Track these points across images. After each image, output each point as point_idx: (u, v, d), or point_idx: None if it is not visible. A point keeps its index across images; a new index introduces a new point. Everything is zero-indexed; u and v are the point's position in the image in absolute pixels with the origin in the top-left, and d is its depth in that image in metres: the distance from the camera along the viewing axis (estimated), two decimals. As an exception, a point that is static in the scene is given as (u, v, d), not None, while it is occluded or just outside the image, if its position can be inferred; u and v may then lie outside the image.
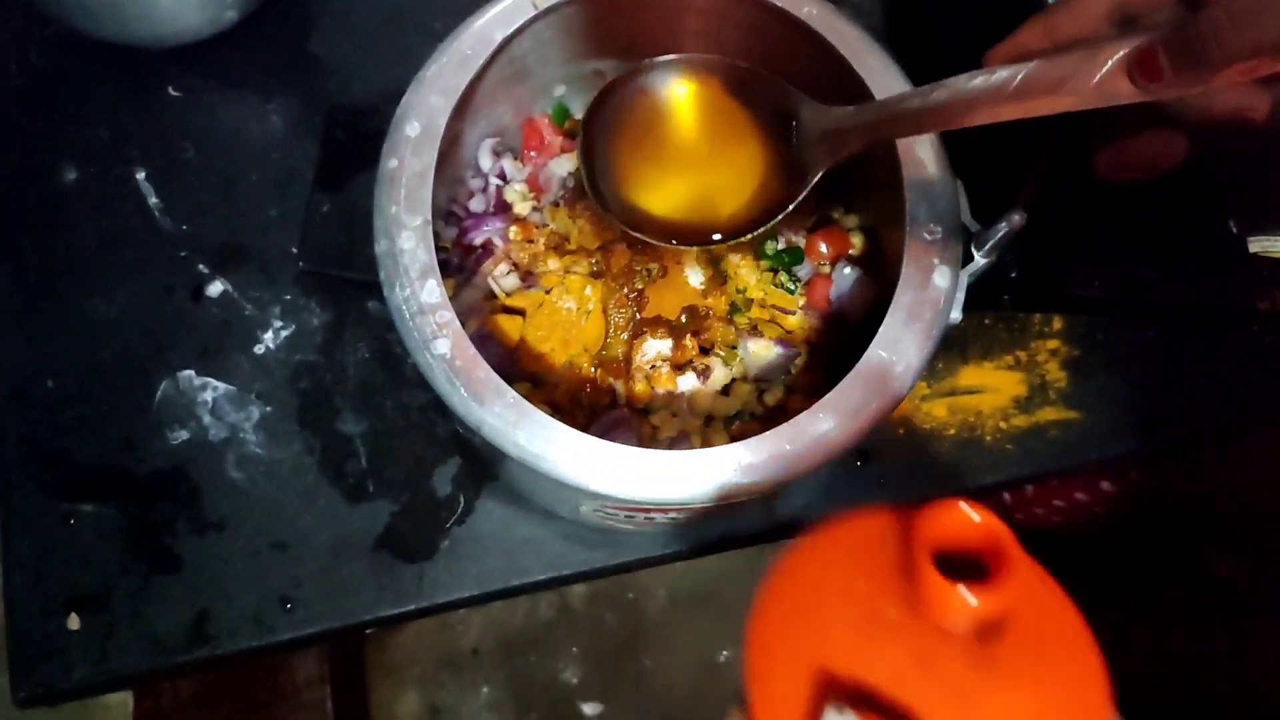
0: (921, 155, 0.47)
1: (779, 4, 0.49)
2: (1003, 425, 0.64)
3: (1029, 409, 0.65)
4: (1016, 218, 0.43)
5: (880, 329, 0.44)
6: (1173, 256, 0.54)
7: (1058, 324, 0.66)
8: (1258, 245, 0.63)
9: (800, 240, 0.57)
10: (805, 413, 0.42)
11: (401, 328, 0.44)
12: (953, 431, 0.64)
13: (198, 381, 0.62)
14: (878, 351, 0.43)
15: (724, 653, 1.44)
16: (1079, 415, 0.65)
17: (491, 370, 0.43)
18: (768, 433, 0.42)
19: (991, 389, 0.65)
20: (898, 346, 0.43)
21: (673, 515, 0.49)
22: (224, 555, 0.59)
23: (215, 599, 0.58)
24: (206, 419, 0.61)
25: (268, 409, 0.62)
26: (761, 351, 0.54)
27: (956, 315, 0.45)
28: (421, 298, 0.44)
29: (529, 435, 0.42)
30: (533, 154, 0.59)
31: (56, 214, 0.65)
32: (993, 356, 0.66)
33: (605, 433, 0.51)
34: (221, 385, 0.62)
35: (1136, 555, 0.89)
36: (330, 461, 0.61)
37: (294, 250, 0.63)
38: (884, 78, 0.48)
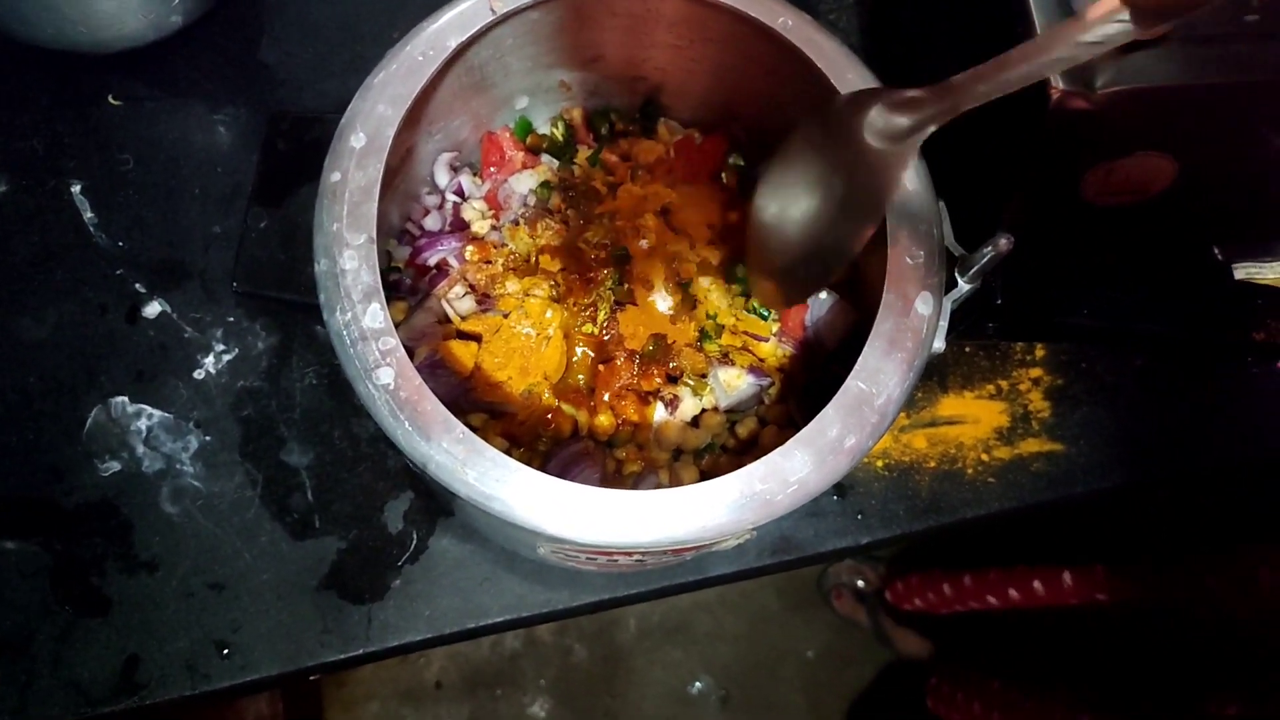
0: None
1: (754, 15, 0.47)
2: (984, 457, 0.62)
3: (1011, 440, 0.62)
4: (1003, 241, 0.40)
5: (859, 359, 0.41)
6: (1162, 283, 0.52)
7: (1040, 352, 0.63)
8: (1242, 272, 0.61)
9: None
10: (779, 450, 0.39)
11: (342, 355, 0.40)
12: (932, 464, 0.62)
13: (131, 408, 0.58)
14: (856, 383, 0.40)
15: (696, 684, 1.40)
16: (1063, 447, 0.62)
17: (439, 402, 0.39)
18: (739, 471, 0.38)
19: (972, 419, 0.63)
20: (878, 377, 0.40)
21: (637, 558, 0.46)
22: (156, 597, 0.55)
23: (146, 644, 0.54)
24: (140, 449, 0.57)
25: (207, 438, 0.57)
26: (733, 380, 0.51)
27: (939, 345, 0.42)
28: (364, 322, 0.40)
29: (480, 474, 0.39)
30: (493, 170, 0.56)
31: (-16, 228, 0.60)
32: (973, 385, 0.63)
33: (565, 468, 0.48)
34: (157, 413, 0.58)
35: (1126, 682, 0.88)
36: (274, 495, 0.57)
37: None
38: (861, 85, 0.46)
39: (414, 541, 0.57)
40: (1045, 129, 0.49)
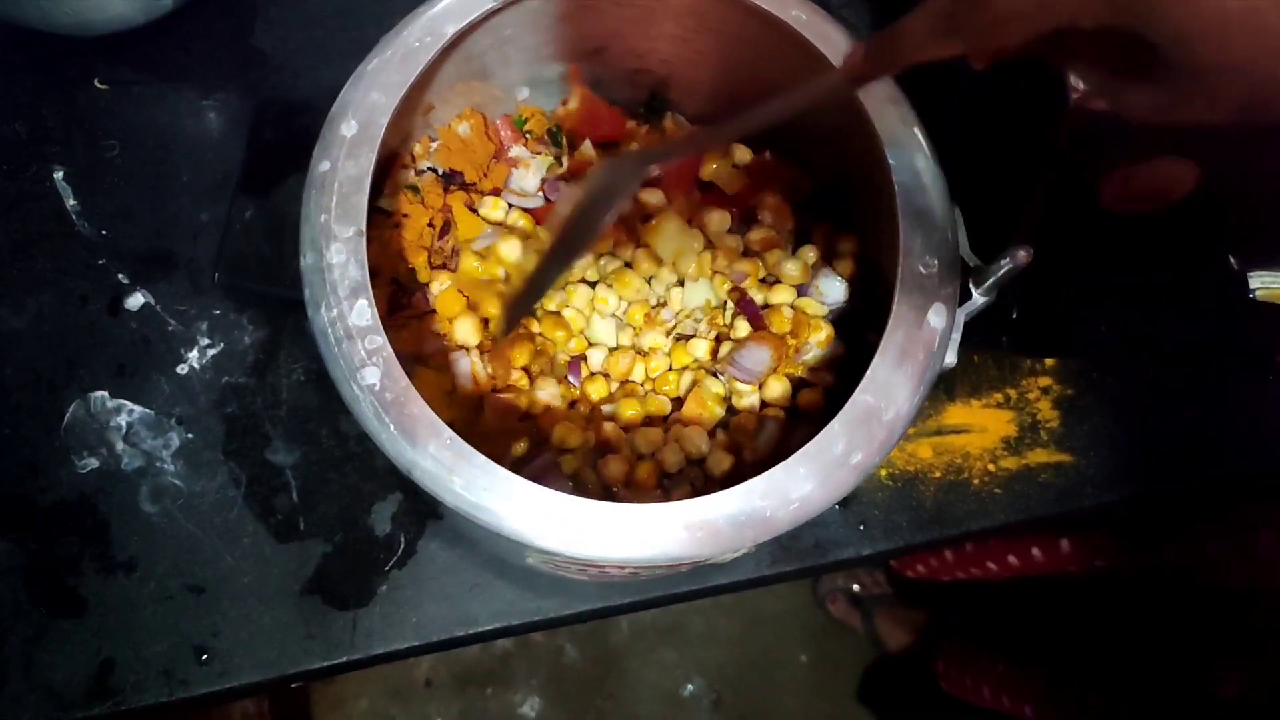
0: (919, 180, 0.43)
1: (764, 7, 0.45)
2: (991, 468, 0.60)
3: (1019, 450, 0.61)
4: (1021, 254, 0.38)
5: (868, 371, 0.39)
6: (1181, 296, 0.50)
7: (1050, 360, 0.62)
8: (1257, 281, 0.60)
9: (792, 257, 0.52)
10: (782, 465, 0.37)
11: (326, 354, 0.38)
12: (938, 474, 0.60)
13: (111, 404, 0.56)
14: (864, 397, 0.38)
15: (689, 686, 1.38)
16: (1071, 458, 0.60)
17: (426, 405, 0.37)
18: (739, 487, 0.37)
19: (979, 429, 0.61)
20: (887, 391, 0.39)
21: (630, 571, 0.44)
22: (133, 599, 0.53)
23: (122, 647, 0.52)
24: (120, 445, 0.55)
25: (189, 436, 0.56)
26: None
27: (951, 359, 0.41)
28: (350, 319, 0.38)
29: (467, 482, 0.37)
30: (493, 160, 0.54)
31: (-38, 214, 0.58)
32: (981, 394, 0.61)
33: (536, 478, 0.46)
34: (138, 408, 0.56)
35: (1130, 659, 0.87)
36: (257, 495, 0.55)
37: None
38: (878, 87, 0.44)
39: (401, 545, 0.55)
40: (1063, 130, 0.48)
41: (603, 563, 0.37)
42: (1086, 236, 0.51)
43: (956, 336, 0.41)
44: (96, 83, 0.62)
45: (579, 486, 0.47)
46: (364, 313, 0.39)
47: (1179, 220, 0.51)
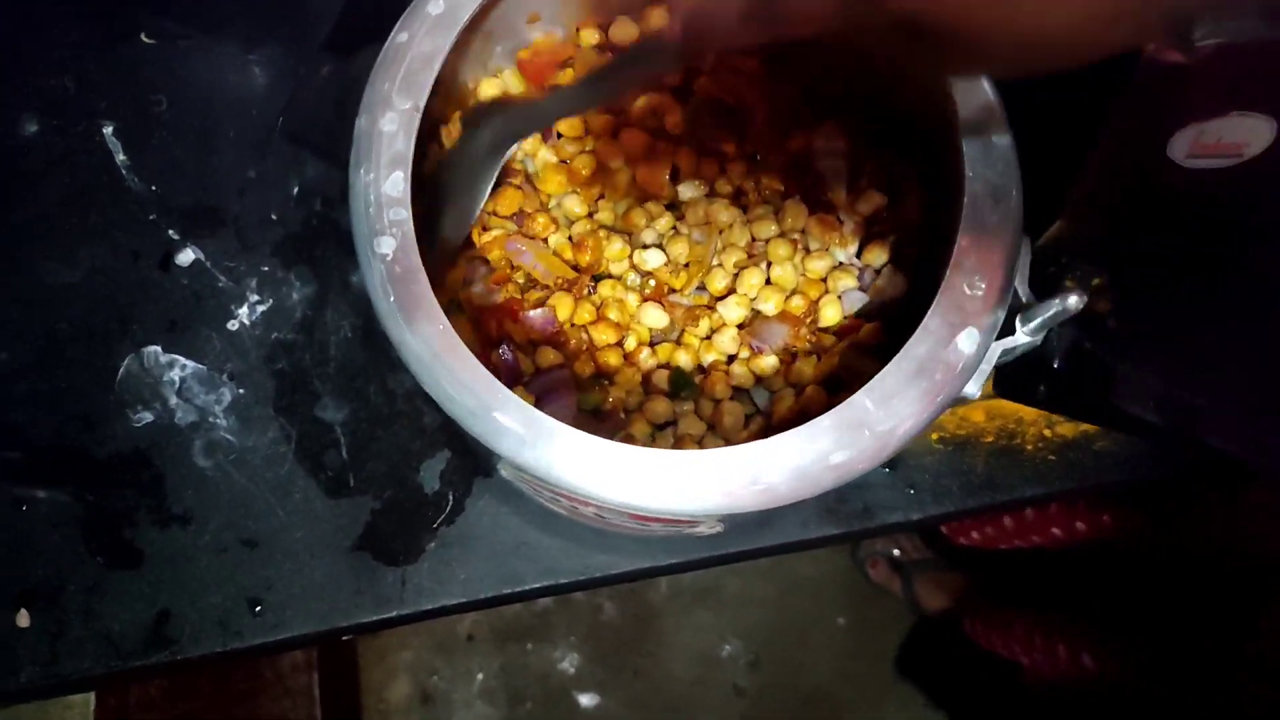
0: (994, 194, 0.39)
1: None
2: (1046, 434, 0.59)
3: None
4: (1073, 299, 0.36)
5: (877, 375, 0.36)
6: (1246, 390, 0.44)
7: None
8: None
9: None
10: (763, 442, 0.35)
11: (355, 215, 0.39)
12: (990, 439, 0.58)
13: (164, 358, 0.56)
14: (864, 399, 0.36)
15: (725, 647, 1.39)
16: (1131, 425, 0.59)
17: (430, 288, 0.38)
18: (715, 450, 0.36)
19: (1035, 393, 0.59)
20: (890, 402, 0.36)
21: (594, 511, 0.43)
22: (188, 551, 0.54)
23: (177, 599, 0.53)
24: (173, 400, 0.56)
25: (240, 391, 0.56)
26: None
27: (973, 390, 0.38)
28: (384, 187, 0.39)
29: (449, 371, 0.37)
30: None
31: (15, 169, 0.59)
32: (1038, 357, 0.60)
33: (542, 394, 0.46)
34: (190, 363, 0.56)
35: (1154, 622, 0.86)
36: (308, 451, 0.55)
37: (274, 217, 0.58)
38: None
39: (450, 503, 0.55)
40: (1135, 85, 0.46)
41: (539, 480, 0.37)
42: (1151, 202, 0.49)
43: (986, 369, 0.38)
44: (143, 36, 0.62)
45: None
46: (398, 184, 0.39)
47: (1253, 184, 0.49)
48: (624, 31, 0.51)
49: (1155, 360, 0.40)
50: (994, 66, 0.28)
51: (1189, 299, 0.59)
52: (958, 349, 0.37)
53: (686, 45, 0.34)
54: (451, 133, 0.47)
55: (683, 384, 0.47)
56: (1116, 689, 0.86)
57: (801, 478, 0.35)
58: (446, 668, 1.38)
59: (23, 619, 0.53)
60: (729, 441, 0.43)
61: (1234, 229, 0.59)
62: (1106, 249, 0.61)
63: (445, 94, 0.44)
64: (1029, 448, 0.59)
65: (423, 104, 0.41)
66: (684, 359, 0.48)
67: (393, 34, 0.42)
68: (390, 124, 0.40)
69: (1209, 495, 0.81)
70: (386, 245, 0.38)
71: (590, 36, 0.52)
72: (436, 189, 0.46)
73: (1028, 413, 0.59)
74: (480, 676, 1.39)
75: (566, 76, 0.51)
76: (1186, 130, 0.48)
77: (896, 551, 1.39)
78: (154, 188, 0.59)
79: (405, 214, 0.39)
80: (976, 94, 0.41)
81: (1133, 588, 0.94)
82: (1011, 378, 0.43)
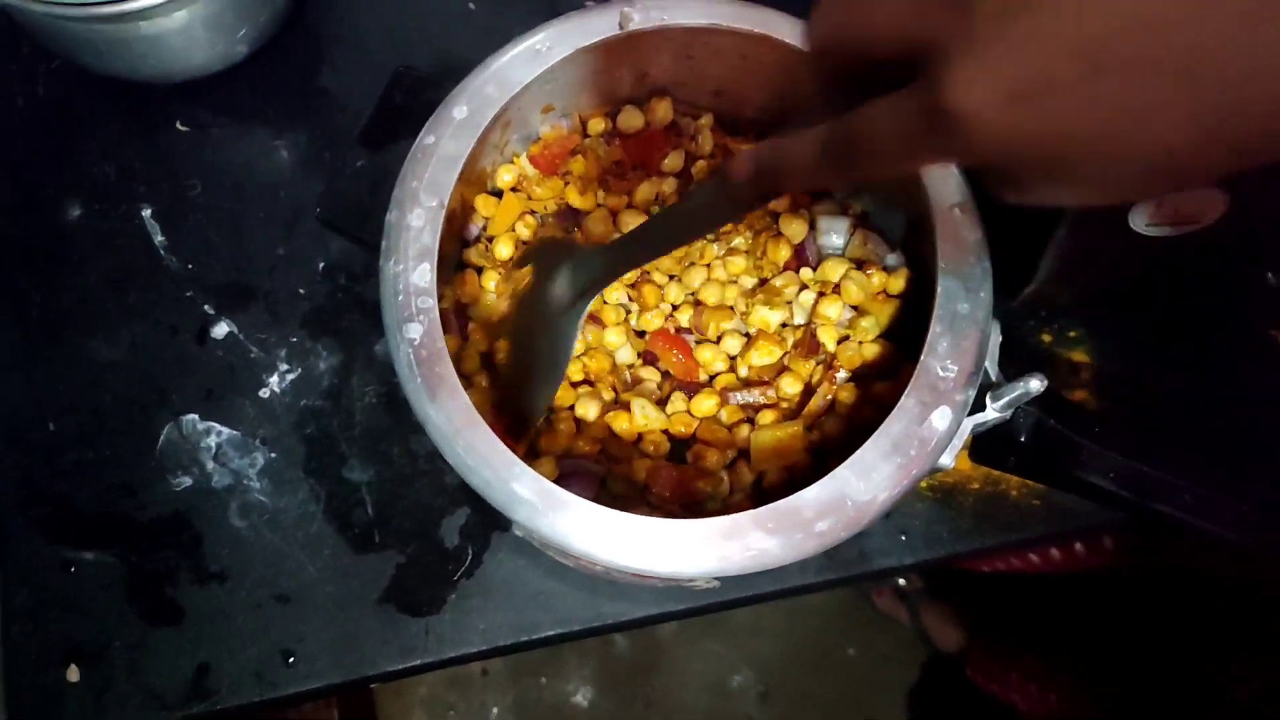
0: (964, 285, 0.43)
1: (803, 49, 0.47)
2: (1029, 482, 0.62)
3: (1057, 462, 0.62)
4: (1035, 383, 0.40)
5: (858, 451, 0.40)
6: (1200, 463, 0.48)
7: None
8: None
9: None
10: (750, 513, 0.39)
11: (385, 302, 0.43)
12: (976, 485, 0.62)
13: (201, 426, 0.60)
14: (846, 472, 0.40)
15: (736, 677, 1.42)
16: (1109, 470, 0.62)
17: (454, 370, 0.42)
18: (706, 520, 0.39)
19: (1018, 441, 0.63)
20: (870, 475, 0.40)
21: (601, 570, 0.47)
22: (225, 607, 0.57)
23: (216, 652, 0.57)
24: (210, 465, 0.60)
25: (273, 455, 0.60)
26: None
27: (947, 461, 0.42)
28: (412, 278, 0.43)
29: (469, 445, 0.41)
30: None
31: (60, 251, 0.63)
32: (1020, 407, 0.63)
33: (568, 473, 0.50)
34: (226, 430, 0.60)
35: (1153, 656, 0.88)
36: (336, 510, 0.59)
37: (301, 292, 0.62)
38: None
39: (469, 557, 0.59)
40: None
41: (551, 545, 0.41)
42: (1115, 268, 0.52)
43: (958, 443, 0.42)
44: (178, 125, 0.66)
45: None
46: (425, 275, 0.43)
47: (1211, 246, 0.53)
48: (630, 121, 0.55)
49: (1114, 437, 0.44)
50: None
51: (1154, 361, 0.63)
52: (932, 425, 0.41)
53: (759, 185, 0.34)
54: (518, 276, 0.51)
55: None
56: None
57: (788, 545, 0.39)
58: (461, 702, 1.41)
59: (72, 673, 0.56)
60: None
61: (1195, 289, 0.63)
62: (1080, 304, 0.65)
63: (466, 179, 0.47)
64: (1013, 494, 0.62)
65: (447, 200, 0.45)
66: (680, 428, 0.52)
67: (420, 136, 0.46)
68: (418, 219, 0.44)
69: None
70: (414, 331, 0.42)
71: (598, 125, 0.56)
72: (518, 336, 0.50)
73: (1012, 459, 0.63)
74: (495, 711, 1.41)
75: (578, 165, 0.56)
76: (1145, 202, 0.52)
77: (902, 581, 1.41)
78: (190, 266, 0.63)
79: (431, 302, 0.43)
80: (950, 188, 0.45)
81: (1128, 621, 0.97)
82: (985, 446, 0.46)
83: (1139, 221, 0.52)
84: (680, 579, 0.41)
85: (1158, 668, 0.87)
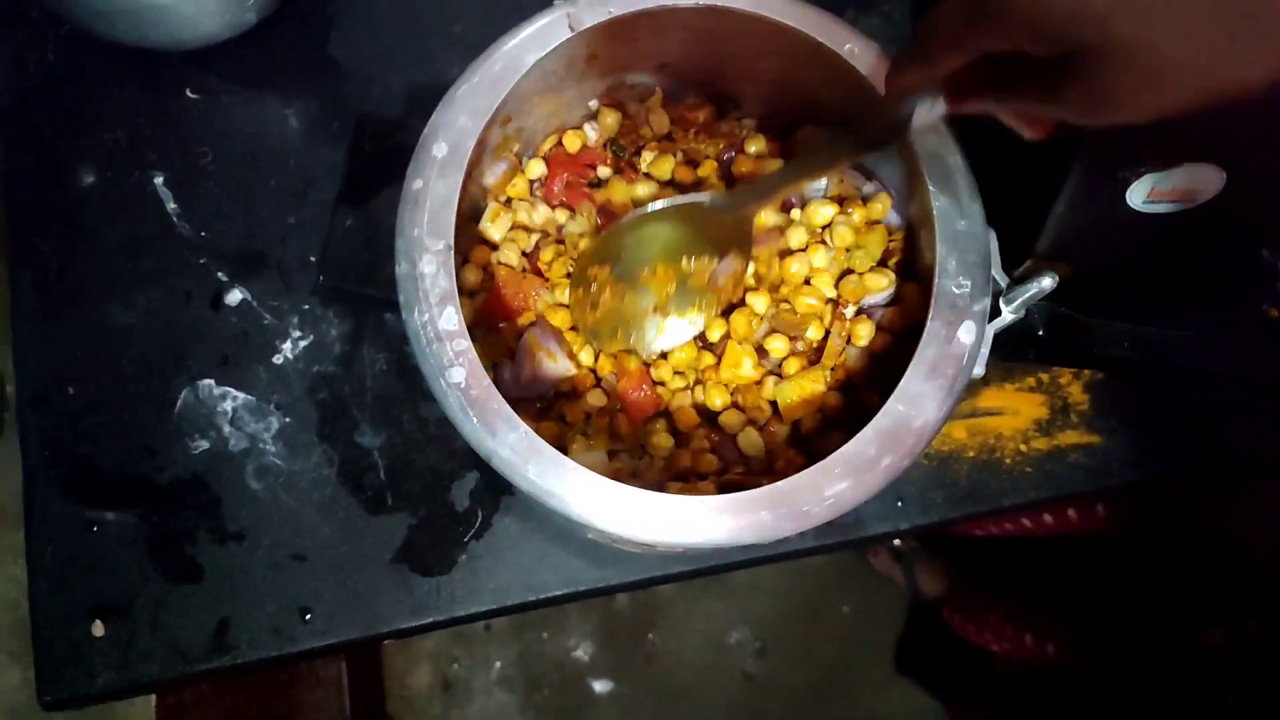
0: (958, 205, 0.46)
1: (821, 40, 0.48)
2: (1022, 448, 0.64)
3: (1050, 432, 0.64)
4: (1047, 280, 0.42)
5: (901, 383, 0.43)
6: (1204, 320, 0.52)
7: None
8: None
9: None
10: (819, 466, 0.41)
11: (419, 352, 0.44)
12: (971, 454, 0.64)
13: (218, 391, 0.62)
14: (896, 406, 0.43)
15: (734, 634, 1.45)
16: (1100, 439, 0.64)
17: (505, 402, 0.43)
18: (778, 484, 0.41)
19: (1012, 411, 0.65)
20: (919, 402, 0.43)
21: (681, 550, 0.49)
22: (244, 565, 0.60)
23: (236, 609, 0.59)
24: (226, 429, 0.61)
25: (287, 420, 0.62)
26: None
27: (979, 371, 0.45)
28: (440, 324, 0.44)
29: (539, 470, 0.42)
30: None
31: (76, 218, 0.64)
32: (1014, 378, 0.65)
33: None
34: (241, 395, 0.62)
35: (1130, 604, 0.91)
36: (349, 474, 0.61)
37: (312, 259, 0.63)
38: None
39: (479, 519, 0.61)
40: (1091, 139, 0.50)
41: (652, 544, 0.43)
42: (1113, 239, 0.54)
43: (985, 350, 0.44)
44: (188, 92, 0.67)
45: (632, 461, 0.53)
46: (451, 319, 0.44)
47: (1206, 221, 0.54)
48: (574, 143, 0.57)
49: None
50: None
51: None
52: (960, 341, 0.44)
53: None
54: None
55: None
56: (1075, 674, 0.92)
57: (858, 486, 0.42)
58: (466, 656, 1.45)
59: (97, 629, 0.59)
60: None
61: (1192, 264, 0.64)
62: (1076, 282, 0.66)
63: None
64: (1007, 461, 0.64)
65: (452, 240, 0.45)
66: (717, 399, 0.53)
67: (406, 180, 0.46)
68: (429, 265, 0.44)
69: (1205, 494, 0.86)
70: (458, 375, 0.43)
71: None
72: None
73: (1007, 429, 0.65)
74: (498, 664, 1.45)
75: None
76: (1143, 179, 0.53)
77: (897, 541, 1.44)
78: (203, 233, 0.64)
79: (466, 344, 0.43)
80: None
81: (1109, 578, 1.00)
82: (1005, 346, 0.49)
83: (1137, 198, 0.53)
84: (775, 538, 0.43)
85: (1134, 616, 0.90)
